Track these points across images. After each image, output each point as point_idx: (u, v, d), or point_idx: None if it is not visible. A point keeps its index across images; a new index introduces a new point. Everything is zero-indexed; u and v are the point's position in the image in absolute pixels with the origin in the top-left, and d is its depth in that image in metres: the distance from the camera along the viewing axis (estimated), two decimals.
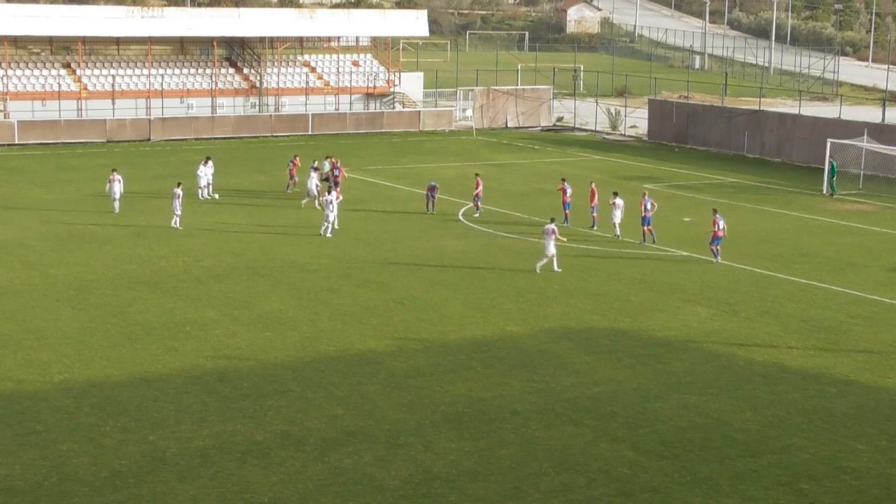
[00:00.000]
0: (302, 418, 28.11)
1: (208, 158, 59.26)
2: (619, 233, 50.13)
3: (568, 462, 25.83)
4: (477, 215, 54.50)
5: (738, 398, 30.38)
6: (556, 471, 25.34)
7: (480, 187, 55.19)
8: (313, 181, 55.68)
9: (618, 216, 50.07)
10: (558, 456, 26.16)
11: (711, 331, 36.76)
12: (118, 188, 53.57)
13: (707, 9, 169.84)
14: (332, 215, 49.65)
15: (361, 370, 31.95)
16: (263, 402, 29.19)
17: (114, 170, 54.46)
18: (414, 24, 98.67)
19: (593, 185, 54.12)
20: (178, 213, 50.74)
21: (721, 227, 46.31)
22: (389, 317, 37.40)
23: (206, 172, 58.23)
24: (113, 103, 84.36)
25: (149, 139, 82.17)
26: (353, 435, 27.13)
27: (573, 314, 38.33)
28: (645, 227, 49.21)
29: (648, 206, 48.87)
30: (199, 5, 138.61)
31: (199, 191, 57.96)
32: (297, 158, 61.51)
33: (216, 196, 58.21)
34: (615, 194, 50.98)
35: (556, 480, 24.86)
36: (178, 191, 51.05)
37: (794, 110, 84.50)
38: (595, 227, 52.15)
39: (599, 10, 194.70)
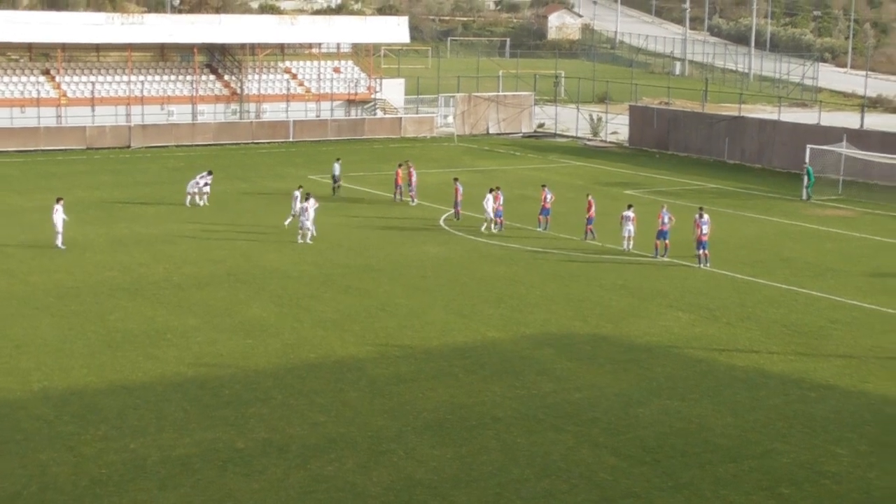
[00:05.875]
0: (284, 426, 28.07)
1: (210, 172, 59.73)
2: (630, 246, 48.92)
3: (550, 468, 25.85)
4: (495, 230, 52.49)
5: (720, 403, 30.46)
6: (537, 477, 25.36)
7: (500, 201, 52.83)
8: (489, 203, 52.51)
9: (630, 229, 48.98)
10: (540, 462, 26.18)
11: (692, 336, 36.84)
12: (60, 220, 47.54)
13: (687, 15, 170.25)
14: (309, 222, 49.51)
15: (343, 377, 31.93)
16: (245, 409, 29.14)
17: (58, 199, 48.52)
18: (395, 30, 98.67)
19: (590, 197, 52.37)
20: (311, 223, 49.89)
21: (704, 230, 46.28)
22: (371, 323, 37.38)
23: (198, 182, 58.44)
24: (93, 110, 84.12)
25: (129, 146, 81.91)
26: (334, 442, 27.11)
27: (554, 320, 38.37)
28: (658, 241, 47.74)
29: (666, 220, 47.58)
30: (180, 12, 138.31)
31: (189, 196, 57.96)
32: (412, 166, 61.61)
33: (202, 203, 58.08)
34: (629, 207, 49.75)
35: (537, 487, 24.88)
36: (297, 193, 51.60)
37: (774, 116, 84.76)
38: (589, 239, 51.03)
39: (580, 16, 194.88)
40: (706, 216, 46.82)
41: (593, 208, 51.25)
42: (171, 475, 24.99)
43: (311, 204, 50.32)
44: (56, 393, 30.15)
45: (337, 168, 62.88)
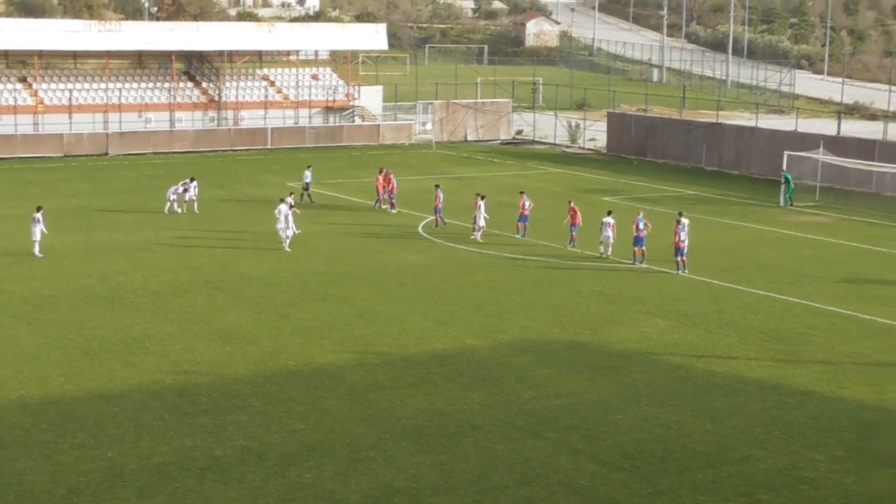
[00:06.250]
0: (262, 433, 28.01)
1: (193, 178, 59.78)
2: (608, 252, 48.95)
3: (529, 475, 25.85)
4: (479, 238, 52.42)
5: (698, 410, 30.52)
6: (516, 484, 25.36)
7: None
8: (481, 212, 52.19)
9: (609, 235, 48.92)
10: (519, 469, 26.18)
11: (671, 343, 36.91)
12: (38, 229, 47.24)
13: (665, 22, 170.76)
14: (291, 229, 49.47)
15: (322, 384, 31.88)
16: (223, 417, 29.06)
17: (38, 208, 48.10)
18: (373, 37, 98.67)
19: (573, 203, 52.08)
20: (291, 232, 49.61)
21: (682, 237, 46.43)
22: (350, 331, 37.34)
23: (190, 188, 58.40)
24: (70, 117, 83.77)
25: (107, 153, 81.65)
26: (313, 449, 27.05)
27: (533, 327, 38.39)
28: (636, 248, 47.71)
29: (641, 227, 47.54)
30: (157, 19, 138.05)
31: (168, 204, 57.82)
32: (391, 174, 61.67)
33: (180, 211, 57.87)
34: (609, 213, 49.65)
35: (517, 494, 24.87)
36: (290, 199, 51.04)
37: (752, 123, 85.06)
38: (570, 246, 50.82)
39: (558, 23, 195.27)
40: (684, 221, 46.93)
41: (579, 215, 51.09)
42: (149, 483, 24.89)
43: (284, 209, 50.37)
44: (33, 401, 30.01)
45: (308, 175, 62.86)
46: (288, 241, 49.35)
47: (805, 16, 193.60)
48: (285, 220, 49.53)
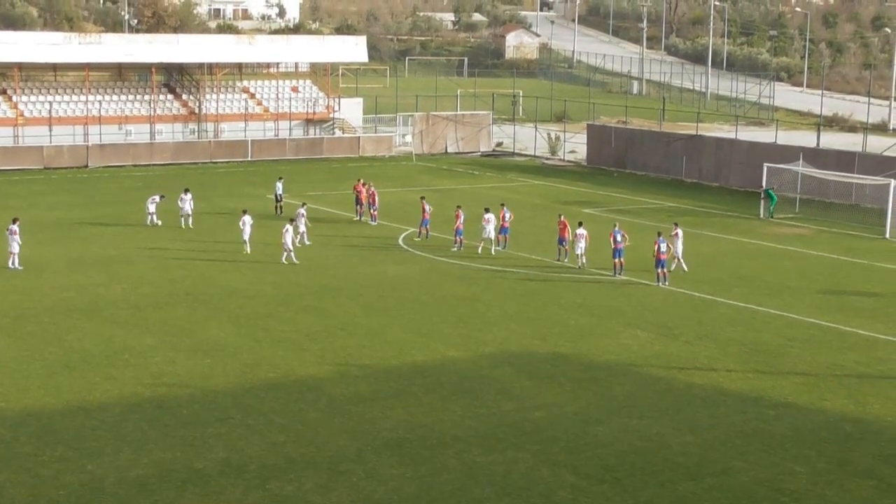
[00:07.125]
0: (242, 445, 27.94)
1: (187, 189, 59.43)
2: (583, 262, 49.11)
3: (510, 487, 25.85)
4: (454, 249, 52.66)
5: (679, 421, 30.57)
6: (497, 496, 25.35)
7: (461, 219, 52.95)
8: (491, 223, 52.25)
9: (581, 246, 48.98)
10: (500, 481, 26.17)
11: (651, 354, 36.97)
12: (16, 242, 47.16)
13: (644, 35, 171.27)
14: (290, 242, 49.29)
15: (302, 397, 31.83)
16: (203, 429, 28.98)
17: (14, 220, 47.96)
18: (353, 49, 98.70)
19: (563, 217, 51.86)
20: (290, 248, 49.35)
21: (662, 248, 46.52)
22: (330, 343, 37.30)
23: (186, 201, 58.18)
24: (50, 130, 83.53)
25: (87, 166, 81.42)
26: (294, 462, 27.00)
27: (514, 339, 38.42)
28: (616, 260, 47.74)
29: (619, 238, 47.59)
30: (138, 31, 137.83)
31: (149, 217, 57.67)
32: (371, 186, 61.90)
33: (160, 223, 57.62)
34: (580, 224, 49.90)
35: None
36: (303, 210, 52.50)
37: (731, 135, 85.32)
38: (562, 259, 50.58)
39: (538, 35, 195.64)
40: (678, 231, 47.32)
41: (569, 230, 50.95)
42: (129, 496, 24.81)
43: (248, 220, 50.49)
44: (13, 414, 29.89)
45: (279, 187, 62.89)
46: (289, 254, 49.05)
47: (784, 28, 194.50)
48: (287, 233, 49.30)
